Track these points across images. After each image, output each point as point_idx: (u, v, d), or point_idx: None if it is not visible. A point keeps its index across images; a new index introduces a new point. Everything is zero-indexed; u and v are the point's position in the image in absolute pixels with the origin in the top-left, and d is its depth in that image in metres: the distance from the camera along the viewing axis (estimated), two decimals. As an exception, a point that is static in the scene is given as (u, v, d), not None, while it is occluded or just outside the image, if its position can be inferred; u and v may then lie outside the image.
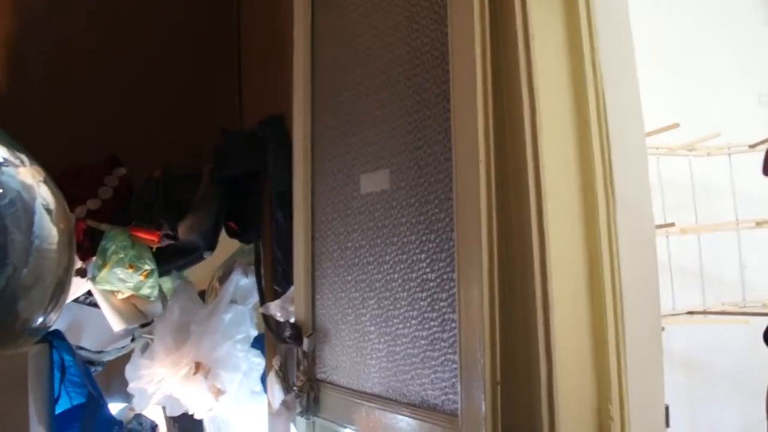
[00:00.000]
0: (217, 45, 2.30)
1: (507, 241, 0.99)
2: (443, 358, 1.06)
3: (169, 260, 1.85)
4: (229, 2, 2.32)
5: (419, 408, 1.11)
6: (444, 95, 1.08)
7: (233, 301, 1.83)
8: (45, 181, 1.38)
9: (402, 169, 1.17)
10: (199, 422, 1.97)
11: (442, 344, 1.06)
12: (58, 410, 1.46)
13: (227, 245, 2.00)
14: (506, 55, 1.01)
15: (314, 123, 1.48)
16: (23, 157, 1.38)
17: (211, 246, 1.84)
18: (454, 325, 1.03)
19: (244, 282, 1.87)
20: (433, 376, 1.08)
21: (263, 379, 1.80)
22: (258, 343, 1.84)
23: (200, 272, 2.06)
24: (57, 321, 1.45)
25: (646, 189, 1.03)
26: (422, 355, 1.11)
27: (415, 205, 1.13)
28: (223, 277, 2.11)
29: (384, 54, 1.25)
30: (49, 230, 1.34)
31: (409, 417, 1.13)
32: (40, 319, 1.35)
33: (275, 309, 1.54)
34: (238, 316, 1.79)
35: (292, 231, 1.56)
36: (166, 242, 1.77)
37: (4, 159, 1.33)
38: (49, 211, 1.35)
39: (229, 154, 1.80)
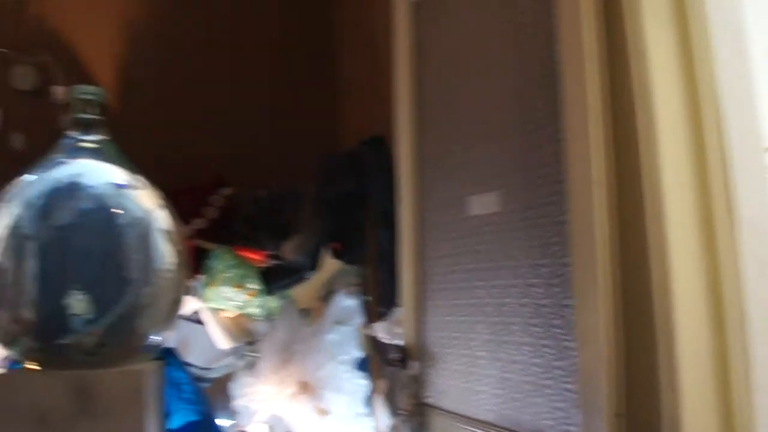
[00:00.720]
0: (317, 67, 2.33)
1: (625, 265, 0.95)
2: (559, 386, 1.03)
3: (275, 280, 1.86)
4: (326, 25, 2.34)
5: (533, 437, 1.08)
6: (556, 114, 1.04)
7: (337, 322, 1.82)
8: (161, 204, 1.41)
9: (512, 191, 1.14)
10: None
11: (558, 372, 1.03)
12: (171, 426, 1.49)
13: (330, 265, 2.00)
14: (619, 71, 0.97)
15: (420, 143, 1.47)
16: (140, 179, 1.41)
17: (315, 266, 1.84)
18: (571, 353, 1.00)
19: (348, 303, 1.87)
20: (548, 405, 1.05)
21: (368, 402, 1.79)
22: (362, 365, 1.83)
23: (303, 292, 2.06)
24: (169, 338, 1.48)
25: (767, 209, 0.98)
26: (537, 382, 1.07)
27: (527, 228, 1.10)
28: (326, 297, 2.11)
29: (491, 72, 1.22)
30: (166, 251, 1.37)
31: (522, 446, 1.10)
32: (155, 337, 1.38)
33: (381, 331, 1.53)
34: (343, 337, 1.78)
35: (397, 252, 1.55)
36: (272, 262, 1.79)
37: (125, 182, 1.37)
38: (165, 233, 1.38)
39: (332, 174, 1.80)
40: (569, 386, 1.00)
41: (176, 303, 1.42)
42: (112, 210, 1.31)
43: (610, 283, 0.94)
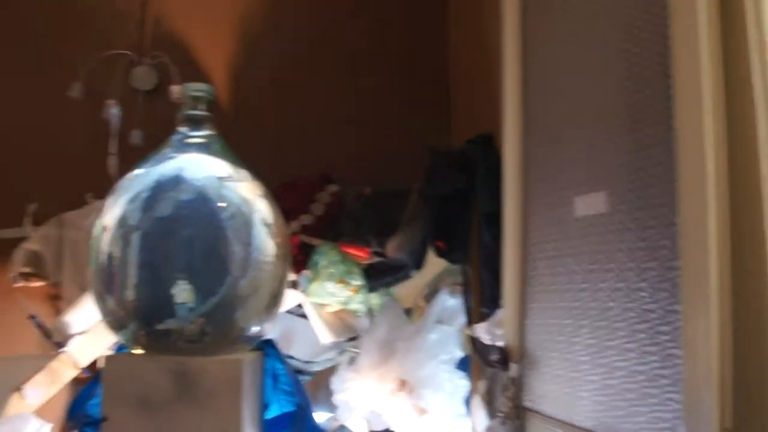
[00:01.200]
0: (426, 63, 2.33)
1: (739, 271, 0.90)
2: (664, 396, 0.98)
3: (378, 277, 1.87)
4: (437, 21, 2.34)
5: (635, 448, 1.04)
6: (667, 113, 1.00)
7: (439, 321, 1.82)
8: (263, 196, 1.44)
9: (620, 192, 1.10)
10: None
11: (663, 381, 0.98)
12: (268, 416, 1.52)
13: (434, 264, 1.99)
14: (737, 67, 0.92)
15: (525, 142, 1.44)
16: (243, 172, 1.45)
17: (419, 264, 1.84)
18: (677, 361, 0.95)
19: (450, 302, 1.86)
20: (650, 415, 1.00)
21: (467, 402, 1.77)
22: (462, 365, 1.81)
23: (406, 291, 2.06)
24: (270, 330, 1.51)
25: None
26: (640, 391, 1.03)
27: (635, 231, 1.06)
28: (429, 296, 2.10)
29: (599, 70, 1.19)
30: (266, 243, 1.40)
31: (623, 456, 1.06)
32: (255, 328, 1.41)
33: (482, 331, 1.51)
34: (444, 337, 1.78)
35: (500, 252, 1.53)
36: (376, 259, 1.80)
37: (227, 174, 1.41)
38: (266, 225, 1.41)
39: (438, 172, 1.79)
40: (674, 396, 0.96)
41: (277, 295, 1.45)
42: (214, 202, 1.36)
43: (721, 289, 0.89)
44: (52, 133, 2.21)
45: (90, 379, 1.72)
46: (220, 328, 1.37)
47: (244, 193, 1.42)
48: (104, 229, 1.38)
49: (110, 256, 1.35)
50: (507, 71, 1.49)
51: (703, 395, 0.89)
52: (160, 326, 1.33)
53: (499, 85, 1.56)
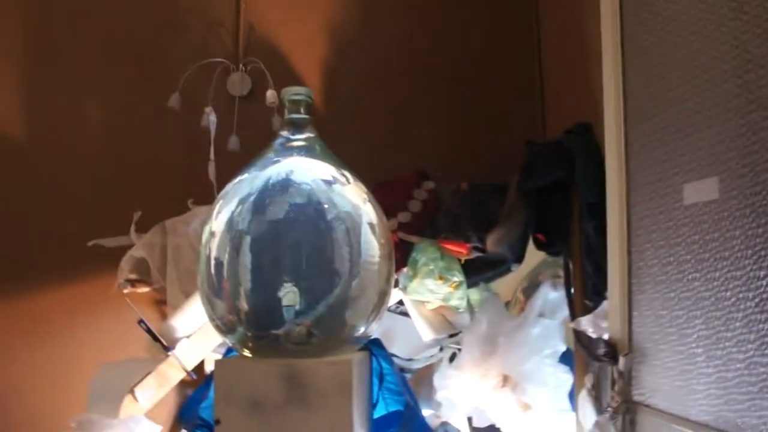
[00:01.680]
0: (518, 54, 2.30)
1: None
2: (788, 388, 0.94)
3: (478, 272, 1.86)
4: (528, 10, 2.31)
5: (757, 443, 1.00)
6: (783, 92, 0.96)
7: (541, 315, 1.79)
8: (368, 198, 1.45)
9: (733, 177, 1.06)
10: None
11: (787, 373, 0.94)
12: (375, 416, 1.53)
13: (531, 257, 1.97)
14: None
15: (627, 130, 1.40)
16: (348, 174, 1.46)
17: (519, 258, 1.82)
18: (801, 351, 0.91)
19: (552, 295, 1.83)
20: (774, 407, 0.97)
21: (571, 397, 1.74)
22: (565, 359, 1.78)
23: (504, 284, 2.04)
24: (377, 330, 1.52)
25: None
26: (761, 383, 0.99)
27: (751, 216, 1.02)
28: (528, 289, 2.08)
29: (706, 52, 1.14)
30: (372, 244, 1.41)
31: (744, 451, 1.02)
32: (363, 328, 1.42)
33: (587, 324, 1.48)
34: (547, 331, 1.75)
35: (604, 243, 1.49)
36: (475, 254, 1.79)
37: (333, 177, 1.42)
38: (372, 226, 1.42)
39: (536, 164, 1.77)
40: (800, 388, 0.92)
41: (383, 295, 1.45)
42: (322, 205, 1.37)
43: None
44: (153, 143, 2.28)
45: (200, 382, 1.78)
46: (328, 329, 1.39)
47: (350, 195, 1.43)
48: (212, 234, 1.42)
49: (219, 261, 1.39)
50: (606, 58, 1.46)
51: (832, 387, 0.85)
52: (269, 330, 1.36)
53: (597, 73, 1.52)
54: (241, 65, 2.26)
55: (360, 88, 2.30)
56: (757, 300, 1.00)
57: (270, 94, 2.15)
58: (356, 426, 1.32)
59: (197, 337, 1.92)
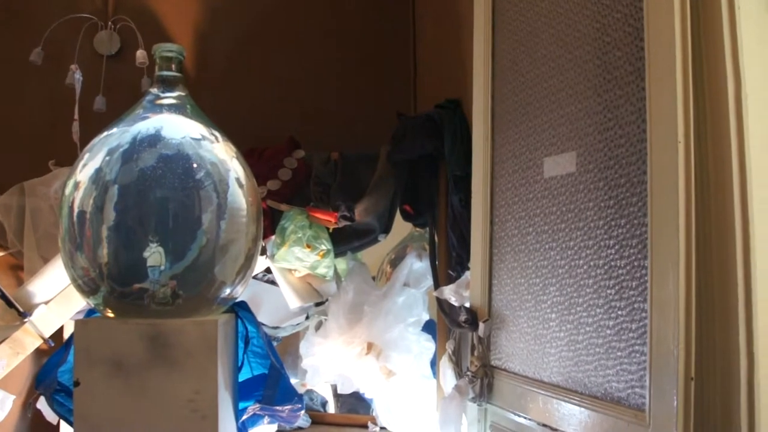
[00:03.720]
0: (393, 27, 2.32)
1: (705, 225, 0.92)
2: (630, 349, 1.01)
3: (345, 242, 1.87)
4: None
5: (602, 400, 1.07)
6: (638, 73, 1.02)
7: (406, 285, 1.83)
8: (236, 157, 1.44)
9: (590, 151, 1.12)
10: (366, 401, 2.00)
11: (630, 335, 1.01)
12: (240, 379, 1.52)
13: (399, 230, 2.00)
14: (708, 27, 0.94)
15: (494, 106, 1.45)
16: (217, 134, 1.44)
17: (387, 229, 1.85)
18: (644, 314, 0.98)
19: (417, 266, 1.87)
20: (618, 367, 1.04)
21: (433, 364, 1.80)
22: (428, 328, 1.84)
23: (371, 256, 2.08)
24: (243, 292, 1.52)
25: None
26: (607, 345, 1.06)
27: (604, 189, 1.08)
28: (395, 261, 2.12)
29: (570, 33, 1.20)
30: (240, 203, 1.40)
31: (589, 409, 1.08)
32: (228, 290, 1.41)
33: (450, 293, 1.53)
34: (411, 300, 1.80)
35: (468, 215, 1.55)
36: (343, 223, 1.80)
37: (202, 135, 1.40)
38: (240, 184, 1.41)
39: (406, 136, 1.80)
40: (640, 348, 0.99)
41: (249, 257, 1.45)
42: (190, 162, 1.35)
43: (688, 243, 0.91)
44: (13, 100, 2.17)
45: (57, 348, 1.71)
46: (192, 290, 1.36)
47: (219, 152, 1.41)
48: (77, 185, 1.36)
49: (82, 212, 1.34)
50: (477, 35, 1.50)
51: (669, 347, 0.92)
52: (132, 289, 1.32)
53: (468, 50, 1.57)
54: (110, 23, 2.17)
55: (232, 53, 2.26)
56: (606, 267, 1.07)
57: (140, 54, 2.08)
58: (221, 387, 1.32)
59: (56, 303, 1.84)
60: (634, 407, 1.00)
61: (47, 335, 1.82)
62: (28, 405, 2.01)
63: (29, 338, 1.81)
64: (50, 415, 1.86)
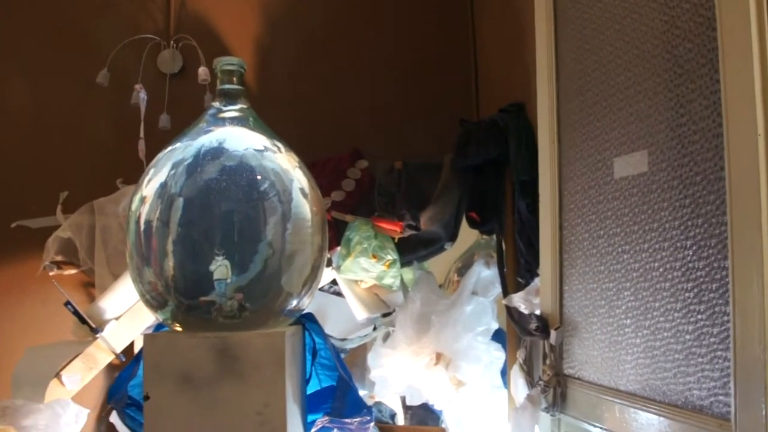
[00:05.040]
0: (453, 34, 2.30)
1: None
2: (712, 355, 0.96)
3: (411, 251, 1.86)
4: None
5: (682, 409, 1.02)
6: (711, 65, 0.97)
7: (474, 293, 1.80)
8: (299, 167, 1.43)
9: (662, 149, 1.08)
10: (435, 413, 1.97)
11: (711, 339, 0.96)
12: (308, 391, 1.51)
13: (465, 238, 1.98)
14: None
15: (559, 107, 1.42)
16: (280, 144, 1.44)
17: (453, 237, 1.82)
18: (726, 318, 0.93)
19: (485, 273, 1.84)
20: (699, 374, 0.99)
21: (503, 374, 1.76)
22: (497, 337, 1.80)
23: (438, 265, 2.05)
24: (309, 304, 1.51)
25: None
26: (687, 351, 1.01)
27: (679, 188, 1.04)
28: (462, 269, 2.09)
29: (636, 27, 1.16)
30: (304, 213, 1.39)
31: (669, 418, 1.03)
32: (295, 302, 1.40)
33: (519, 301, 1.49)
34: (480, 308, 1.76)
35: (536, 221, 1.51)
36: (409, 233, 1.78)
37: (264, 146, 1.40)
38: (304, 194, 1.40)
39: (470, 143, 1.77)
40: (722, 354, 0.94)
41: (315, 268, 1.44)
42: (254, 173, 1.35)
43: (772, 241, 0.87)
44: (81, 121, 2.22)
45: (128, 362, 1.73)
46: (259, 302, 1.36)
47: (282, 162, 1.41)
48: (143, 200, 1.38)
49: (149, 226, 1.35)
50: (539, 35, 1.47)
51: (755, 352, 0.87)
52: (200, 300, 1.33)
53: (531, 53, 1.53)
54: (172, 42, 2.21)
55: (293, 67, 2.27)
56: (683, 269, 1.02)
57: (202, 71, 2.11)
58: (290, 399, 1.31)
59: (126, 318, 1.87)
60: (718, 416, 0.94)
61: (118, 350, 1.85)
62: (101, 419, 2.04)
63: (101, 353, 1.84)
64: (123, 429, 1.88)
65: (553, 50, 1.43)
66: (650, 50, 1.11)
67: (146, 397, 1.31)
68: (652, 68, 1.11)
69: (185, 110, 2.11)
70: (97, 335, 1.83)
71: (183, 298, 1.34)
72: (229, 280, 1.31)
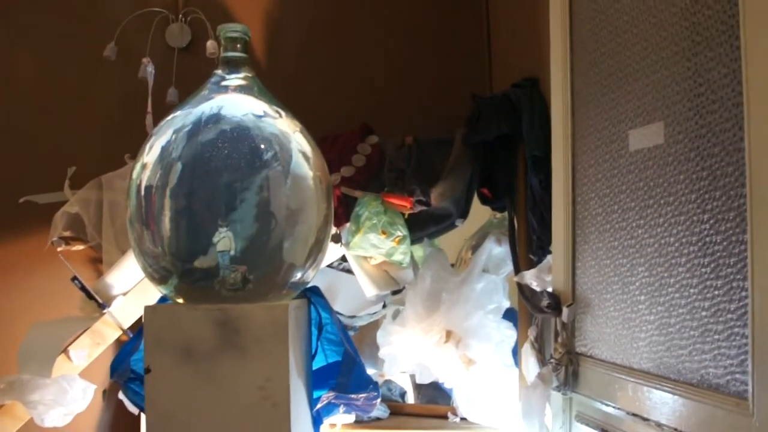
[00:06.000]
0: (465, 7, 2.26)
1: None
2: (729, 332, 0.93)
3: (422, 227, 1.83)
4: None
5: (697, 387, 0.99)
6: (731, 31, 0.94)
7: (485, 271, 1.78)
8: (302, 132, 1.40)
9: (679, 121, 1.04)
10: (446, 392, 1.96)
11: (729, 316, 0.93)
12: (314, 366, 1.49)
13: (478, 216, 1.95)
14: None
15: (573, 80, 1.38)
16: (281, 111, 1.41)
17: (464, 213, 1.79)
18: (744, 294, 0.90)
19: (497, 251, 1.81)
20: (715, 352, 0.96)
21: (514, 352, 1.74)
22: (508, 315, 1.77)
23: (449, 244, 2.02)
24: (315, 282, 1.48)
25: None
26: (702, 328, 0.98)
27: (696, 159, 1.00)
28: (475, 247, 2.07)
29: (655, -2, 1.12)
30: (306, 176, 1.36)
31: (684, 397, 1.01)
32: (299, 274, 1.38)
33: (531, 278, 1.47)
34: (491, 286, 1.74)
35: (549, 197, 1.48)
36: (419, 208, 1.76)
37: (265, 112, 1.37)
38: (306, 157, 1.37)
39: (482, 118, 1.74)
40: (740, 331, 0.91)
41: (320, 241, 1.41)
42: (255, 141, 1.32)
43: (793, 214, 0.83)
44: (88, 95, 2.21)
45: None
46: (263, 274, 1.33)
47: (282, 127, 1.38)
48: (144, 166, 1.35)
49: (149, 190, 1.32)
50: (553, 9, 1.43)
51: (774, 327, 0.84)
52: (202, 274, 1.31)
53: (544, 26, 1.50)
54: (180, 15, 2.19)
55: (303, 40, 2.24)
56: (699, 244, 0.99)
57: (210, 45, 2.08)
58: (293, 374, 1.28)
59: (133, 294, 1.86)
60: (735, 395, 0.92)
61: (126, 326, 1.84)
62: (103, 393, 2.05)
63: (109, 329, 1.84)
64: (131, 405, 1.88)
65: (568, 21, 1.39)
66: (668, 18, 1.08)
67: (147, 370, 1.30)
68: (669, 36, 1.07)
69: (193, 85, 2.05)
70: (105, 311, 1.83)
71: (183, 265, 1.32)
72: (232, 252, 1.29)
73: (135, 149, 1.99)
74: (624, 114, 1.19)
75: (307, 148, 1.39)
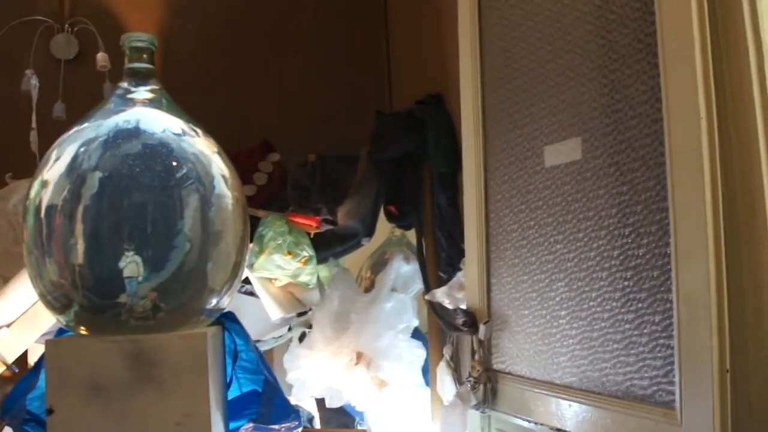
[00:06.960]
0: (364, 23, 2.25)
1: (732, 204, 0.86)
2: (654, 343, 0.94)
3: (327, 247, 1.79)
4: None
5: (623, 399, 1.00)
6: (648, 49, 0.96)
7: (394, 290, 1.76)
8: (219, 152, 1.35)
9: (597, 136, 1.06)
10: (351, 416, 1.92)
11: (653, 327, 0.95)
12: (229, 397, 1.42)
13: (378, 235, 1.93)
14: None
15: (484, 96, 1.38)
16: (198, 129, 1.35)
17: (370, 232, 1.77)
18: (668, 305, 0.91)
19: (405, 269, 1.80)
20: (640, 363, 0.97)
21: (425, 372, 1.72)
22: (416, 334, 1.76)
23: (349, 263, 1.99)
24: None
25: None
26: (626, 340, 0.99)
27: (615, 174, 1.02)
28: (375, 266, 2.05)
29: (568, 13, 1.14)
30: (226, 197, 1.30)
31: (610, 410, 1.01)
32: (215, 300, 1.31)
33: (442, 296, 1.46)
34: (400, 305, 1.72)
35: (456, 214, 1.48)
36: (325, 227, 1.72)
37: (182, 130, 1.31)
38: (225, 178, 1.31)
39: (387, 135, 1.73)
40: (665, 342, 0.92)
41: (238, 262, 1.34)
42: (171, 159, 1.25)
43: (716, 226, 0.85)
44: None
45: (23, 374, 1.60)
46: (175, 301, 1.25)
47: (201, 147, 1.32)
48: (45, 184, 1.24)
49: (51, 210, 1.22)
50: (462, 23, 1.43)
51: (702, 338, 0.85)
52: (111, 301, 1.22)
53: (448, 42, 1.50)
54: (66, 25, 2.08)
55: (199, 54, 2.18)
56: (621, 258, 1.01)
57: (101, 57, 1.99)
58: (213, 407, 1.21)
59: (18, 325, 1.73)
60: (662, 405, 0.93)
61: (10, 361, 1.71)
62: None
63: (-11, 365, 1.70)
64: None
65: (477, 38, 1.40)
66: (583, 36, 1.09)
67: (50, 411, 1.20)
68: (584, 53, 1.09)
69: (82, 99, 1.97)
70: (-15, 345, 1.70)
71: (91, 297, 1.23)
72: (140, 278, 1.21)
73: (17, 168, 1.89)
74: (539, 130, 1.20)
75: (225, 169, 1.33)
